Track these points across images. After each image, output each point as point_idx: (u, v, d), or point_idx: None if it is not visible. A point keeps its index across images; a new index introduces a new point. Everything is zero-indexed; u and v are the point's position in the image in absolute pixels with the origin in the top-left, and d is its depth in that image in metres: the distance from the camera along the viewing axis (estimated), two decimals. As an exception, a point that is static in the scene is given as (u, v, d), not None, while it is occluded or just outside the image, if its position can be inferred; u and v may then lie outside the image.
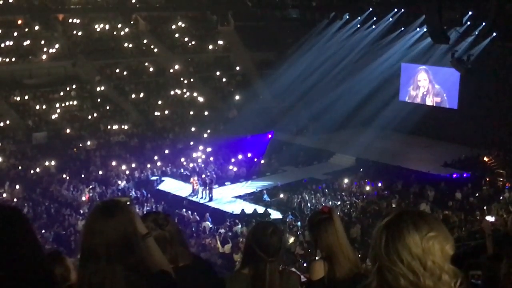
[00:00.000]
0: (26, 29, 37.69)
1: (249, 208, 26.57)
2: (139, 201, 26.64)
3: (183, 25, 43.28)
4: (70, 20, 39.81)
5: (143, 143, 34.78)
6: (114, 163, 31.41)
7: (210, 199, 28.60)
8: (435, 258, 1.87)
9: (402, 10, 32.52)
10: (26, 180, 29.16)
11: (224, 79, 42.61)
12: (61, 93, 36.70)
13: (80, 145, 33.18)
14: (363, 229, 21.88)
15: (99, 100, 37.29)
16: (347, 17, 34.58)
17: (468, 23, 28.64)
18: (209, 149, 34.28)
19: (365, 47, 36.83)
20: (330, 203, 26.07)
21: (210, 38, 43.52)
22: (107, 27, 40.50)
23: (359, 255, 4.86)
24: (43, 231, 23.24)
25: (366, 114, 36.56)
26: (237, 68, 43.76)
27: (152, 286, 2.40)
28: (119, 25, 40.88)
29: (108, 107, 37.09)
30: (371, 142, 34.13)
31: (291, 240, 21.19)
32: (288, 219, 24.52)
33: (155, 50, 41.41)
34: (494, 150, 31.95)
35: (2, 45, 35.92)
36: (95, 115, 36.21)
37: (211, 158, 33.61)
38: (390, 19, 33.45)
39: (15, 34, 37.00)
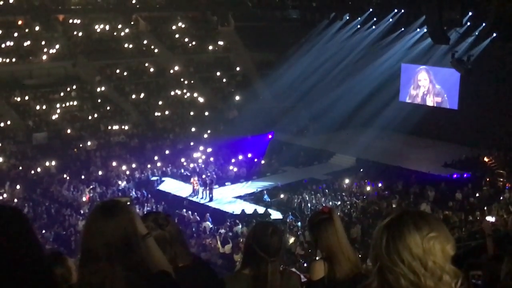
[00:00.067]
0: (27, 30, 37.72)
1: (249, 208, 26.57)
2: (139, 201, 26.66)
3: (183, 26, 43.27)
4: (70, 21, 39.83)
5: (143, 144, 34.77)
6: (114, 164, 31.45)
7: (211, 200, 28.59)
8: (436, 258, 1.87)
9: (402, 10, 32.46)
10: (26, 180, 29.19)
11: (224, 80, 42.60)
12: (62, 94, 36.74)
13: (81, 145, 33.18)
14: (363, 230, 21.87)
15: (99, 100, 37.30)
16: (347, 17, 34.50)
17: (468, 23, 28.57)
18: (209, 150, 34.29)
19: (365, 47, 36.81)
20: (331, 203, 26.06)
21: (210, 39, 43.51)
22: (107, 27, 40.50)
23: (360, 255, 4.86)
24: (44, 231, 23.30)
25: (367, 115, 36.60)
26: (237, 68, 43.76)
27: (152, 286, 2.40)
28: (119, 26, 40.88)
29: (108, 108, 37.09)
30: (372, 142, 34.13)
31: (292, 240, 21.21)
32: (288, 220, 24.52)
33: (155, 50, 41.41)
34: (494, 150, 31.93)
35: (3, 45, 35.97)
36: (95, 115, 36.20)
37: (211, 159, 33.63)
38: (390, 20, 33.39)
39: (16, 34, 37.05)
